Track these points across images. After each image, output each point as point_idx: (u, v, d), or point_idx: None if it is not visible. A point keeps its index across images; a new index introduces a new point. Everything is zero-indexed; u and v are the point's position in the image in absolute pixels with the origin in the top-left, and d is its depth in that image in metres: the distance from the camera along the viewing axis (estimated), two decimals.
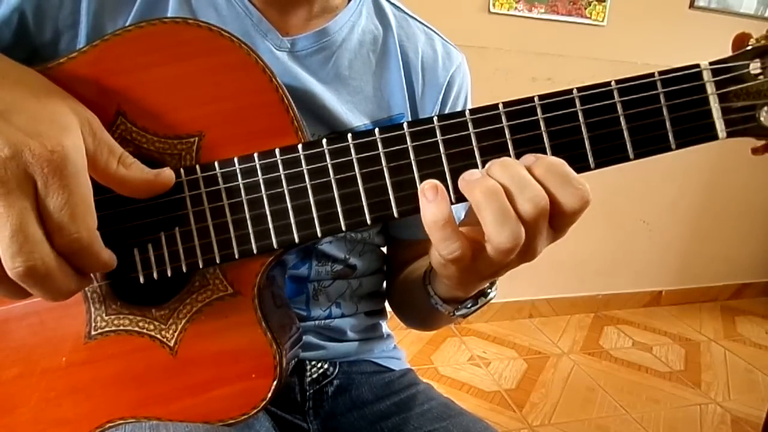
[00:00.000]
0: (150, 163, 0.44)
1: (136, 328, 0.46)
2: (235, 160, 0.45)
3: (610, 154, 0.42)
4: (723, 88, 0.41)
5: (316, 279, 0.66)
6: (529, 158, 0.41)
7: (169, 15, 0.55)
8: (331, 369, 0.69)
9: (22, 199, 0.35)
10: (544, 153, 0.42)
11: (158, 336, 0.46)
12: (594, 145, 0.42)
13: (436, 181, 0.40)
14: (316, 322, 0.67)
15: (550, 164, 0.40)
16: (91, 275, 0.43)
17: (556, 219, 0.40)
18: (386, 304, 0.77)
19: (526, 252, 0.41)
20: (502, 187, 0.39)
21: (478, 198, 0.39)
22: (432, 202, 0.40)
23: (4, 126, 0.36)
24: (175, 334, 0.46)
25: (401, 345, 0.79)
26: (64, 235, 0.37)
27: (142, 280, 0.45)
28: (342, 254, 0.66)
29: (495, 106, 0.42)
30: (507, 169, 0.39)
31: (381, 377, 0.73)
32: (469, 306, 0.53)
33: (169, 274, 0.45)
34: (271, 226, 0.44)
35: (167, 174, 0.44)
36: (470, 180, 0.40)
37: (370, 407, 0.69)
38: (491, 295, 0.52)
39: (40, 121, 0.37)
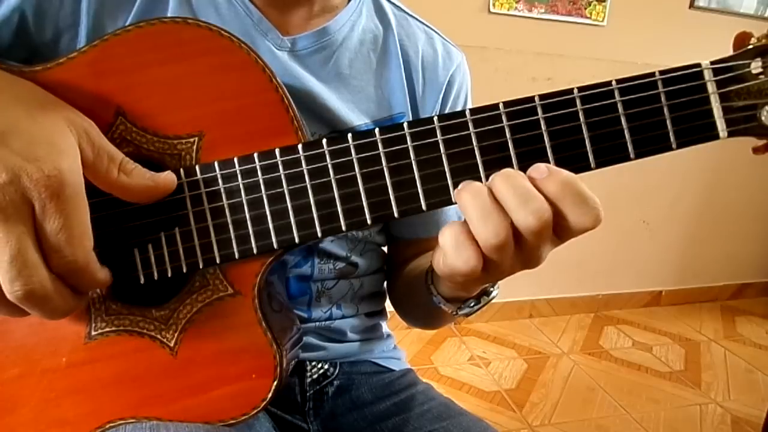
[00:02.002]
0: (150, 163, 0.44)
1: (137, 329, 0.46)
2: (235, 160, 0.44)
3: (610, 153, 0.42)
4: (724, 87, 0.41)
5: (320, 278, 0.66)
6: (541, 169, 0.40)
7: (169, 15, 0.55)
8: (332, 369, 0.69)
9: (20, 223, 0.36)
10: (545, 153, 0.42)
11: (158, 336, 0.46)
12: (595, 145, 0.42)
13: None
14: (317, 323, 0.67)
15: (566, 182, 0.39)
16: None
17: (564, 233, 0.40)
18: (387, 304, 0.77)
19: (529, 260, 0.42)
20: (497, 195, 0.39)
21: (463, 199, 0.40)
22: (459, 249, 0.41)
23: (2, 151, 0.36)
24: (175, 335, 0.46)
25: (401, 345, 0.79)
26: (61, 257, 0.38)
27: (142, 280, 0.45)
28: (344, 252, 0.66)
29: (495, 106, 0.42)
30: (508, 179, 0.39)
31: (381, 377, 0.73)
32: (472, 305, 0.53)
33: (170, 274, 0.45)
34: (271, 226, 0.44)
35: (168, 179, 0.44)
36: (459, 189, 0.41)
37: (370, 407, 0.69)
38: (494, 293, 0.52)
39: (37, 144, 0.37)
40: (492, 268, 0.42)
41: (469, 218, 0.40)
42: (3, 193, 0.35)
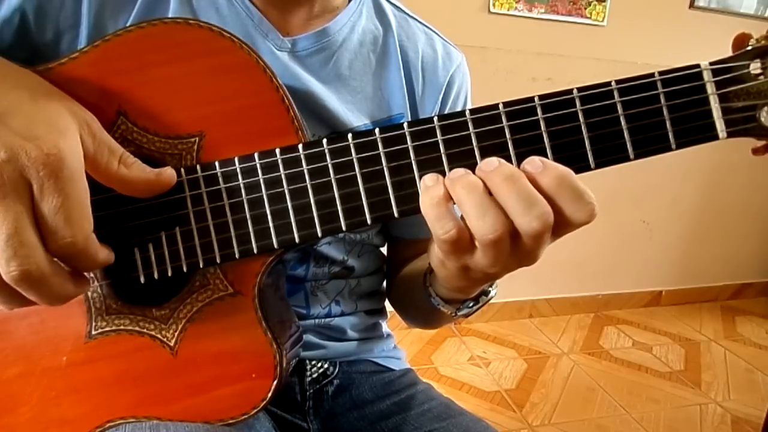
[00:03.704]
0: (151, 163, 0.44)
1: (137, 328, 0.46)
2: (236, 159, 0.45)
3: (610, 154, 0.42)
4: (723, 88, 0.41)
5: (313, 279, 0.66)
6: (535, 163, 0.40)
7: (170, 15, 0.55)
8: (332, 369, 0.69)
9: (18, 202, 0.35)
10: (545, 153, 0.42)
11: (159, 336, 0.46)
12: (594, 145, 0.42)
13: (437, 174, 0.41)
14: (316, 320, 0.67)
15: (562, 177, 0.39)
16: (90, 280, 0.43)
17: (561, 229, 0.40)
18: (386, 303, 0.77)
19: (526, 257, 0.41)
20: (498, 198, 0.39)
21: (459, 193, 0.39)
22: (430, 186, 0.40)
23: (1, 129, 0.36)
24: (176, 334, 0.46)
25: (401, 345, 0.79)
26: (58, 239, 0.37)
27: (142, 279, 0.45)
28: (341, 256, 0.66)
29: (495, 106, 0.42)
30: (514, 184, 0.38)
31: (381, 377, 0.73)
32: (470, 306, 0.53)
33: (170, 274, 0.45)
34: (271, 225, 0.44)
35: (169, 173, 0.44)
36: (453, 178, 0.40)
37: (370, 407, 0.69)
38: (492, 293, 0.52)
39: (37, 124, 0.37)
40: (488, 264, 0.41)
41: (466, 213, 0.39)
42: (1, 172, 0.35)
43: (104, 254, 0.41)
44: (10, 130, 0.36)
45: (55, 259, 0.38)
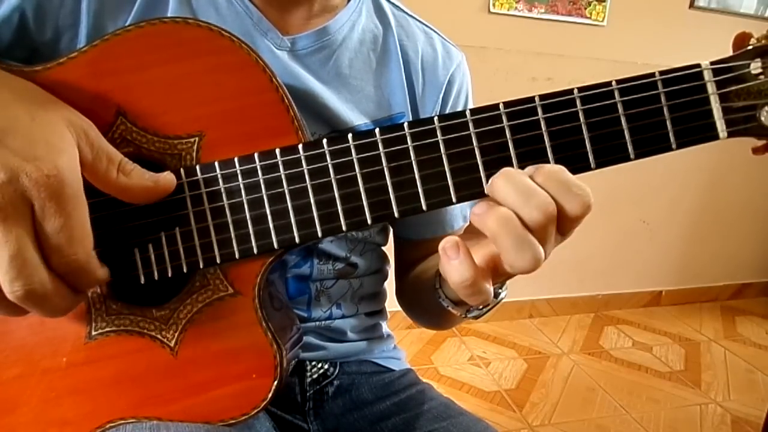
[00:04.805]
0: (150, 163, 0.44)
1: (137, 329, 0.46)
2: (236, 160, 0.45)
3: (610, 154, 0.42)
4: (724, 87, 0.41)
5: (319, 278, 0.66)
6: (528, 169, 0.41)
7: (169, 14, 0.55)
8: (332, 369, 0.69)
9: (20, 223, 0.36)
10: (545, 153, 0.42)
11: (159, 336, 0.46)
12: (595, 145, 0.42)
13: (456, 239, 0.40)
14: (317, 323, 0.67)
15: (549, 172, 0.40)
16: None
17: (561, 224, 0.40)
18: (386, 304, 0.77)
19: None
20: (513, 212, 0.39)
21: (493, 228, 0.39)
22: (455, 260, 0.40)
23: (0, 150, 0.36)
24: (176, 335, 0.46)
25: (401, 345, 0.79)
26: (62, 257, 0.38)
27: (142, 280, 0.45)
28: (343, 253, 0.66)
29: (496, 106, 0.42)
30: (510, 179, 0.40)
31: (381, 377, 0.73)
32: (480, 308, 0.53)
33: (170, 274, 0.45)
34: (271, 226, 0.44)
35: (167, 179, 0.44)
36: (481, 213, 0.40)
37: (370, 407, 0.69)
38: (502, 295, 0.52)
39: (36, 143, 0.37)
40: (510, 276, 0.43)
41: (503, 248, 0.39)
42: (2, 193, 0.35)
43: (103, 271, 0.41)
44: (9, 151, 0.36)
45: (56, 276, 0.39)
